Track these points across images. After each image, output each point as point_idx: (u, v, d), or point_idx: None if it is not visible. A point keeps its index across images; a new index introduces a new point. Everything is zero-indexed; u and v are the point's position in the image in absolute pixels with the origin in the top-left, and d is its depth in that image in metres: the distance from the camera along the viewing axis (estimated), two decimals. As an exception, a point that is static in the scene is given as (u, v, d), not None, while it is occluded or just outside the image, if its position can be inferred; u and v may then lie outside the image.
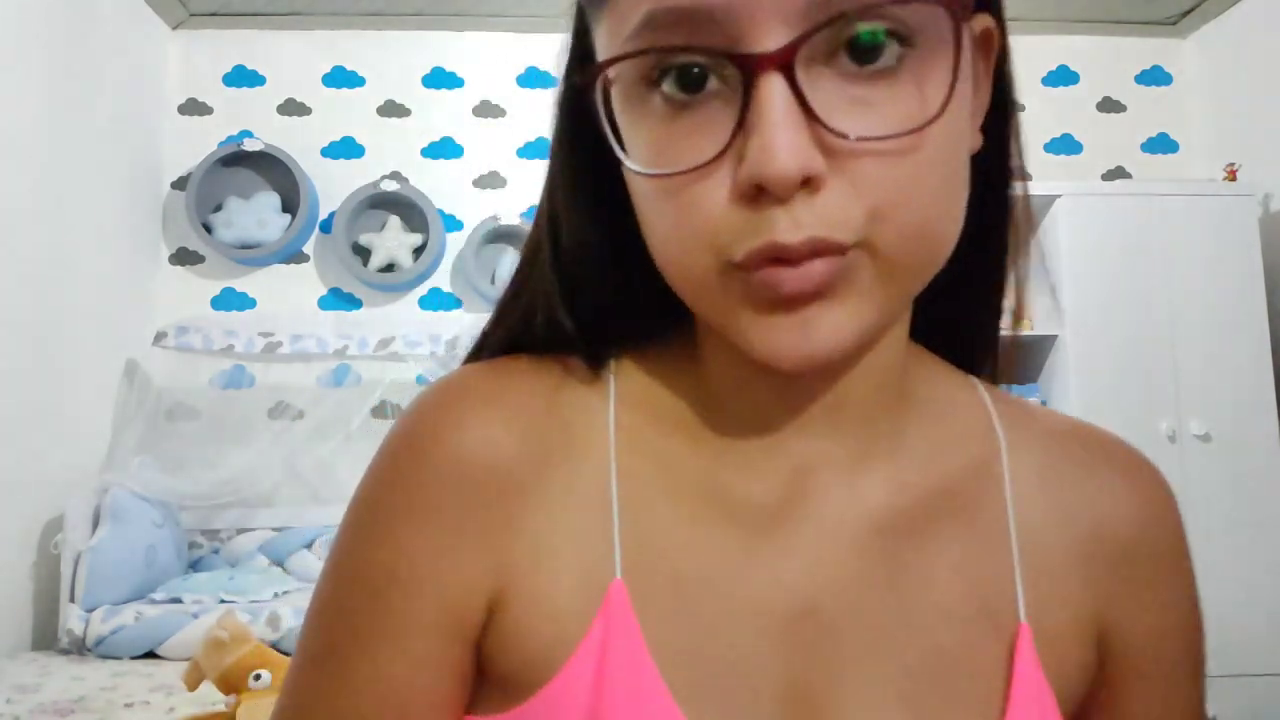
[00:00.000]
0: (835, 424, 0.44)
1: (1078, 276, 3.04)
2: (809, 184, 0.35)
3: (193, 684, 1.66)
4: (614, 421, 0.44)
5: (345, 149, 3.60)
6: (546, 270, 0.46)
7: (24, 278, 2.72)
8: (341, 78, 3.64)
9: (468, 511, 0.42)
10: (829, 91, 0.35)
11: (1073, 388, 2.98)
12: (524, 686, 0.41)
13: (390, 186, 3.48)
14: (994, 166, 0.45)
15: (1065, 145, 3.72)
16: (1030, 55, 3.76)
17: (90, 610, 2.64)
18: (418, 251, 3.51)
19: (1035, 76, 3.76)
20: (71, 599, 2.70)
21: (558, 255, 0.46)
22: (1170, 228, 3.07)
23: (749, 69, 0.35)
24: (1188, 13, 3.66)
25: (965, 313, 0.50)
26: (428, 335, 3.32)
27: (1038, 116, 3.73)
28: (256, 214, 3.45)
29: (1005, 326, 0.50)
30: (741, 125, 0.35)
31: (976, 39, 0.41)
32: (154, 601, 2.72)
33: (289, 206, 3.50)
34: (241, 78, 3.62)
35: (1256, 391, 3.00)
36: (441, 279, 3.57)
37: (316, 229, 3.56)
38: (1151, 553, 0.46)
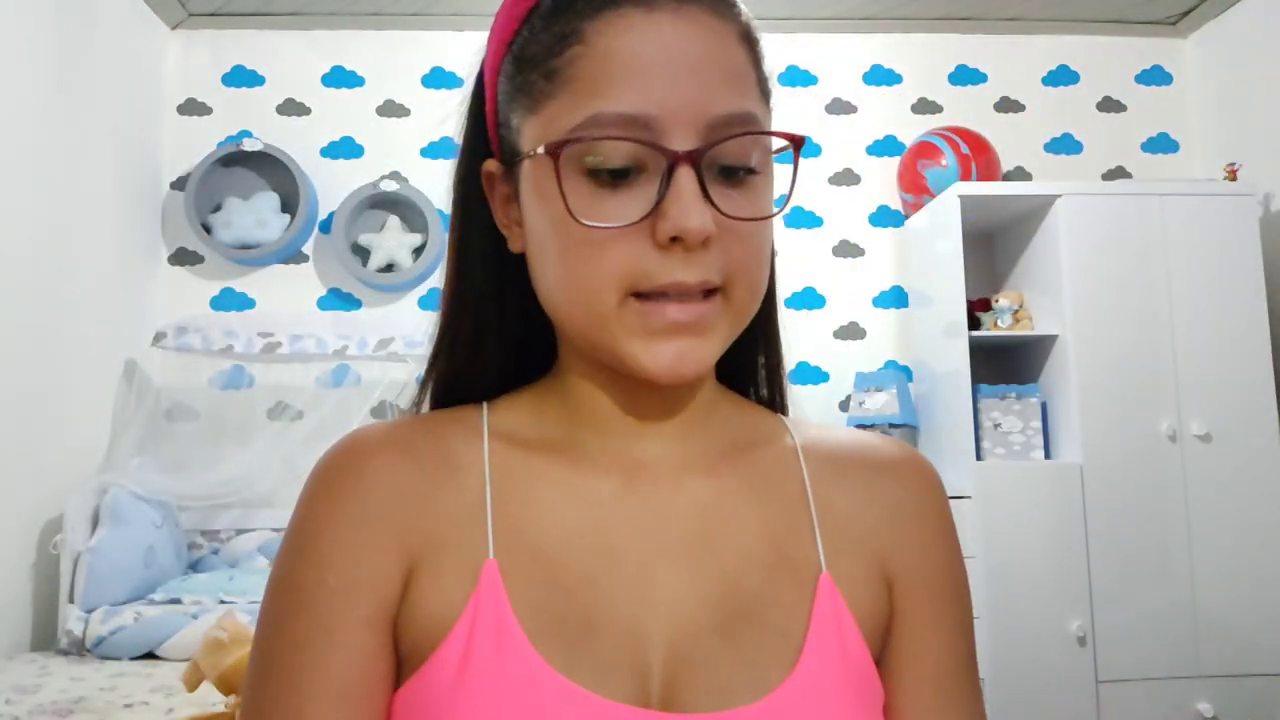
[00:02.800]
0: (661, 435, 0.60)
1: (1078, 276, 3.04)
2: (704, 243, 0.52)
3: (192, 685, 1.65)
4: (487, 447, 0.59)
5: (344, 149, 3.60)
6: (444, 357, 0.64)
7: (23, 278, 2.72)
8: (341, 77, 3.64)
9: (376, 521, 0.55)
10: (713, 189, 0.52)
11: (1073, 388, 2.98)
12: (423, 653, 0.52)
13: (390, 186, 3.47)
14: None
15: (1065, 145, 3.72)
16: (1030, 55, 3.76)
17: (89, 611, 2.64)
18: (417, 251, 3.51)
19: (1035, 76, 3.76)
20: (71, 599, 2.70)
21: (457, 331, 0.63)
22: (1170, 228, 3.07)
23: (673, 160, 0.51)
24: (1188, 13, 3.66)
25: (754, 360, 0.67)
26: (427, 335, 3.31)
27: (1038, 116, 3.73)
28: (256, 214, 3.45)
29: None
30: (661, 199, 0.51)
31: None
32: (153, 602, 2.71)
33: (288, 206, 3.50)
34: (241, 78, 3.62)
35: (1256, 391, 2.99)
36: (441, 279, 3.56)
37: (316, 229, 3.56)
38: (916, 510, 0.62)
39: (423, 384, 0.64)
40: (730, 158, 0.53)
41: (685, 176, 0.51)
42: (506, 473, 0.58)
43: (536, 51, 0.55)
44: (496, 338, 0.63)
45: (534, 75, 0.55)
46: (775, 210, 0.56)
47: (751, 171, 0.54)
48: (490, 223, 0.61)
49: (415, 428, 0.60)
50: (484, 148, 0.61)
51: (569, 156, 0.52)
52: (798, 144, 0.56)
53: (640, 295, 0.52)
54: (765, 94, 0.57)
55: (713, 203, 0.51)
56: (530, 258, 0.58)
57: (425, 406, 0.65)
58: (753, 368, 0.67)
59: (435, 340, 0.64)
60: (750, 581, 0.56)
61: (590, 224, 0.51)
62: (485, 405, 0.62)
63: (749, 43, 0.56)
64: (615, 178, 0.52)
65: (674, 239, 0.51)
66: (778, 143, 0.56)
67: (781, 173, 0.58)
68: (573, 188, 0.52)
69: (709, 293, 0.53)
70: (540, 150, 0.53)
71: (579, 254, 0.53)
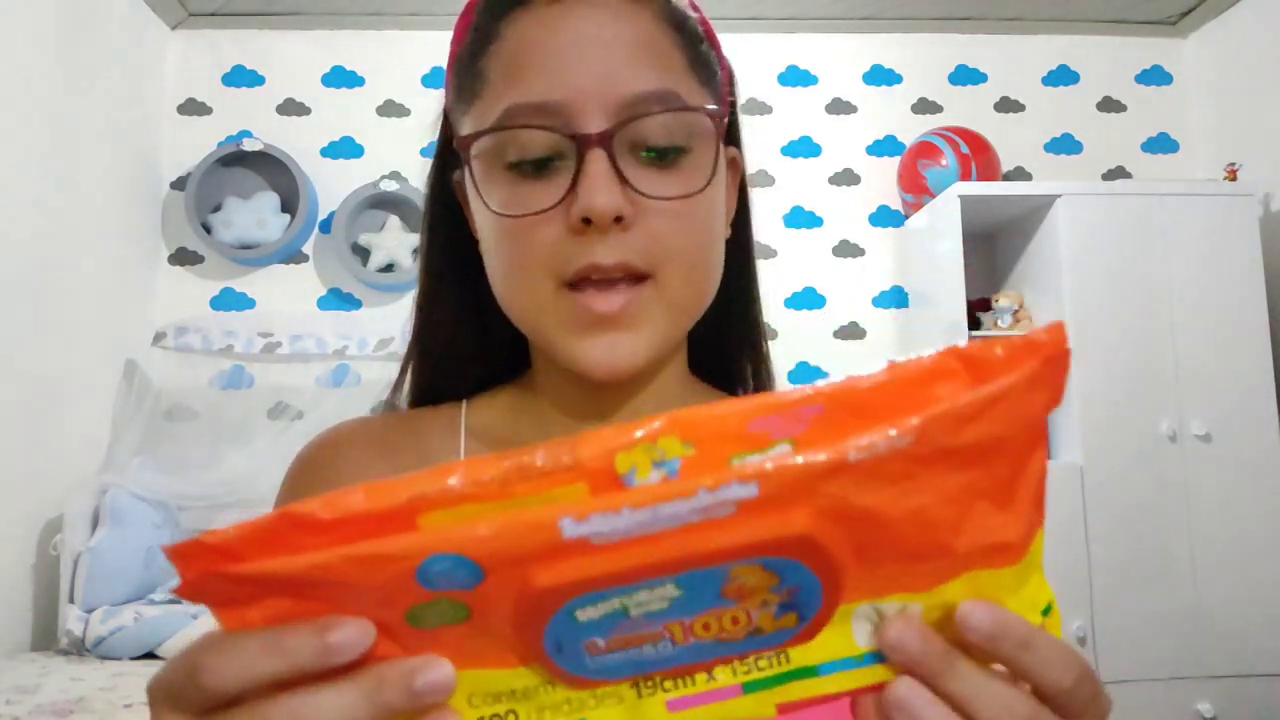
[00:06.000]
0: None
1: (1078, 276, 3.04)
2: (619, 222, 0.50)
3: (192, 685, 1.65)
4: (464, 445, 0.59)
5: (345, 149, 3.60)
6: (416, 349, 0.64)
7: (23, 277, 2.72)
8: (341, 77, 3.64)
9: None
10: (632, 170, 0.51)
11: (1073, 387, 2.98)
12: None
13: (390, 186, 3.47)
14: (740, 251, 0.62)
15: (1065, 145, 3.72)
16: (1030, 55, 3.76)
17: (89, 611, 2.64)
18: (417, 251, 3.51)
19: (1035, 76, 3.76)
20: (71, 600, 2.70)
21: (430, 332, 0.63)
22: (1170, 228, 3.07)
23: (582, 143, 0.50)
24: (1188, 13, 3.66)
25: (738, 355, 0.66)
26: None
27: (1038, 116, 3.73)
28: (256, 214, 3.45)
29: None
30: (575, 183, 0.50)
31: (728, 161, 0.59)
32: (153, 602, 2.71)
33: (288, 206, 3.50)
34: (241, 77, 3.62)
35: (1256, 391, 2.99)
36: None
37: (316, 229, 3.55)
38: None
39: (396, 386, 0.64)
40: (654, 137, 0.52)
41: (595, 158, 0.50)
42: None
43: (467, 56, 0.56)
44: (473, 340, 0.63)
45: (466, 78, 0.56)
46: (698, 189, 0.53)
47: (682, 151, 0.53)
48: (464, 233, 0.61)
49: (392, 424, 0.60)
50: (455, 158, 0.61)
51: (489, 154, 0.52)
52: (717, 120, 0.54)
53: (571, 286, 0.52)
54: (704, 74, 0.56)
55: (628, 183, 0.51)
56: (484, 261, 0.58)
57: (403, 406, 0.65)
58: (735, 363, 0.66)
59: (414, 353, 0.64)
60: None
61: (503, 212, 0.52)
62: (464, 403, 0.62)
63: (674, 21, 0.55)
64: (538, 169, 0.52)
65: (586, 220, 0.50)
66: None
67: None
68: (496, 182, 0.53)
69: (638, 280, 0.52)
70: (455, 145, 0.54)
71: (506, 246, 0.53)
